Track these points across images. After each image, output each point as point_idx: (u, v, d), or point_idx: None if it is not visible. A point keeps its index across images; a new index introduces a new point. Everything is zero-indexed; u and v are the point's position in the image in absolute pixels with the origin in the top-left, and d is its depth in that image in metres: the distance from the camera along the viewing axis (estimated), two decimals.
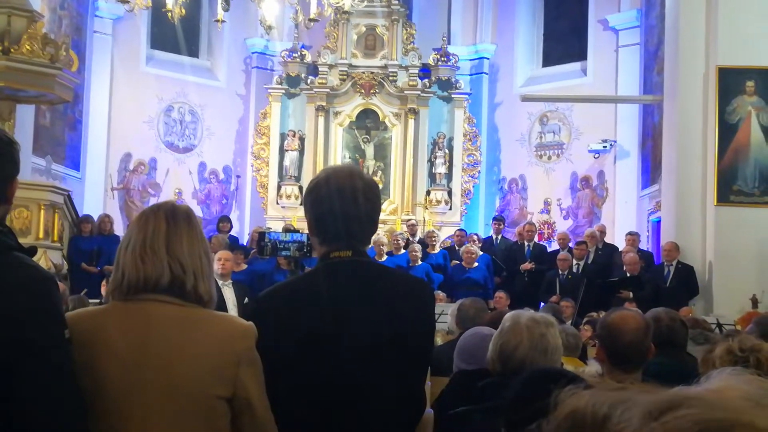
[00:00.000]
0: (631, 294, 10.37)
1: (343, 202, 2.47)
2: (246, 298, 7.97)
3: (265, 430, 2.33)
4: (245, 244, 13.52)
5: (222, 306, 6.76)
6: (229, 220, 14.33)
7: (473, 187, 16.43)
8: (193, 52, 16.74)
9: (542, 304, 10.39)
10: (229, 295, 7.89)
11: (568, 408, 0.90)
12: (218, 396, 2.26)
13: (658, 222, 13.03)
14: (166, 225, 2.33)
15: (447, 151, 15.99)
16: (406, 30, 16.30)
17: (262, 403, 2.31)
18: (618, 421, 0.85)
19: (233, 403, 2.28)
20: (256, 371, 2.31)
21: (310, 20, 10.70)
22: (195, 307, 2.31)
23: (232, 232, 14.51)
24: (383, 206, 13.62)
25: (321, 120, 16.03)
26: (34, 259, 2.22)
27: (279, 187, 16.05)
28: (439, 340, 6.89)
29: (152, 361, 2.23)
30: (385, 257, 11.99)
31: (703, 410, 0.83)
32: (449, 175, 16.04)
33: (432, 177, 16.04)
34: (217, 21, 10.95)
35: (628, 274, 10.96)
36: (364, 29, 16.30)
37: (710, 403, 0.84)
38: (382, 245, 12.14)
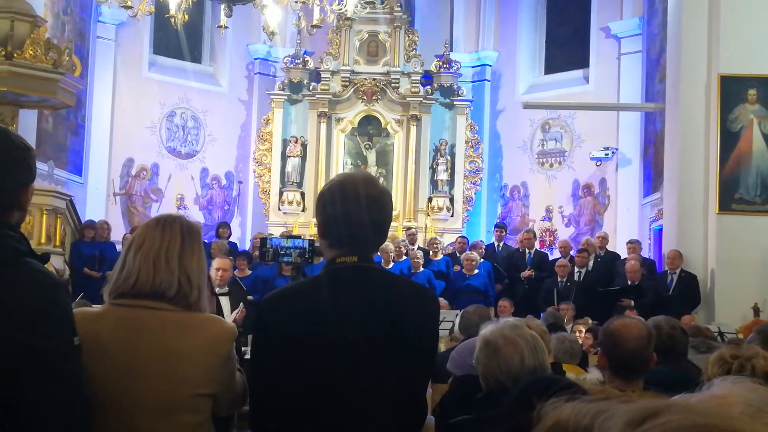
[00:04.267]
0: (632, 302, 10.36)
1: (352, 208, 2.49)
2: (241, 303, 7.94)
3: (237, 403, 2.59)
4: (248, 249, 13.51)
5: (219, 314, 6.78)
6: (229, 226, 14.34)
7: (475, 194, 16.43)
8: (196, 57, 16.76)
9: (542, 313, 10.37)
10: (224, 302, 7.89)
11: (550, 421, 0.91)
12: (206, 394, 2.40)
13: (660, 230, 13.03)
14: (182, 238, 2.45)
15: (449, 157, 16.00)
16: (409, 37, 16.32)
17: (234, 388, 2.51)
18: (599, 430, 0.86)
19: (215, 397, 2.45)
20: (233, 364, 2.51)
21: (313, 26, 10.70)
22: (186, 312, 2.43)
23: (233, 238, 14.52)
24: None
25: (323, 126, 16.05)
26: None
27: (281, 193, 16.06)
28: (441, 347, 6.88)
29: (144, 363, 2.33)
30: (392, 264, 11.97)
31: (682, 416, 0.83)
32: (451, 182, 16.05)
33: (434, 184, 16.04)
34: (220, 27, 10.96)
35: (629, 282, 10.95)
36: (366, 36, 16.32)
37: (690, 409, 0.85)
38: (390, 252, 12.12)
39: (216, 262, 8.07)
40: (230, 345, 2.46)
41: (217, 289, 7.44)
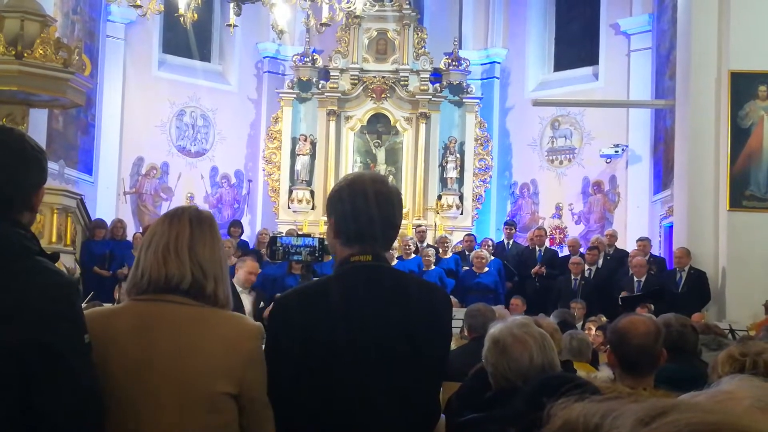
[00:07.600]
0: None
1: (362, 205, 2.49)
2: (261, 303, 7.99)
3: (264, 424, 2.42)
4: (253, 247, 13.52)
5: (240, 311, 6.82)
6: (241, 225, 14.37)
7: (484, 191, 16.41)
8: (205, 56, 16.80)
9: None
10: (246, 300, 7.93)
11: (560, 420, 0.91)
12: (225, 393, 2.33)
13: (671, 227, 12.99)
14: (191, 229, 2.41)
15: (458, 155, 15.98)
16: (418, 34, 16.31)
17: (264, 399, 2.40)
18: (609, 429, 0.86)
19: (238, 400, 2.36)
20: (261, 370, 2.40)
21: (322, 25, 10.71)
22: (207, 308, 2.39)
23: (244, 237, 14.53)
24: None
25: (332, 124, 16.06)
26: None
27: (290, 192, 16.07)
28: (452, 345, 6.87)
29: (162, 360, 2.30)
30: (395, 261, 11.96)
31: (692, 415, 0.83)
32: (460, 180, 16.03)
33: (443, 181, 16.03)
34: (229, 25, 10.96)
35: (635, 278, 10.91)
36: (375, 34, 16.32)
37: (699, 407, 0.85)
38: (392, 249, 12.11)
39: (248, 266, 8.11)
40: (253, 343, 2.39)
41: (239, 288, 7.50)
